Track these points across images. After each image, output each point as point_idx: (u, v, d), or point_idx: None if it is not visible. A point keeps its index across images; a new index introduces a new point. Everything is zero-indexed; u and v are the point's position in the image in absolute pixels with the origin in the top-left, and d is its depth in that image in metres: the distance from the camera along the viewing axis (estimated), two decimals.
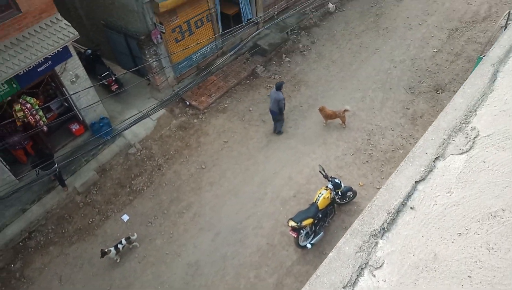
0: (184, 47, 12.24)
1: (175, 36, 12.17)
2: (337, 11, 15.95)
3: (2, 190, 8.90)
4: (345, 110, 11.00)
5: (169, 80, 12.65)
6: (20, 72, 8.81)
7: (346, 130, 11.26)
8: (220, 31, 13.39)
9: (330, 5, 15.76)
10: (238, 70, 13.51)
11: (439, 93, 12.10)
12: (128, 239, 8.73)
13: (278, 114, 10.87)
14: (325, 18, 15.64)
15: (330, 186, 8.58)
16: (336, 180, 8.69)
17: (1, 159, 9.57)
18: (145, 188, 10.36)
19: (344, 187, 8.88)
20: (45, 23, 9.16)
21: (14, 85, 8.99)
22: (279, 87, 10.46)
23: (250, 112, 12.20)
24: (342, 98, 12.26)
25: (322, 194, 8.47)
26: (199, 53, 13.22)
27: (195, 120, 12.06)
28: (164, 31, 11.48)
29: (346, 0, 16.52)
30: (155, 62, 11.94)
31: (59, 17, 9.41)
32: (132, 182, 10.48)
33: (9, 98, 9.17)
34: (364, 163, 10.41)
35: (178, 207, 9.88)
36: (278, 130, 11.37)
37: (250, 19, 14.35)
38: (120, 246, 8.57)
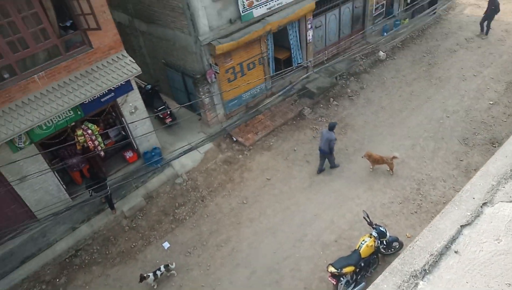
0: (236, 87, 12.85)
1: (228, 77, 12.85)
2: (387, 59, 16.05)
3: (57, 207, 9.56)
4: (394, 157, 10.74)
5: (219, 116, 13.23)
6: (85, 101, 9.61)
7: (394, 177, 10.93)
8: (271, 73, 13.95)
9: (381, 53, 15.92)
10: (285, 110, 13.83)
11: (495, 147, 11.48)
12: (166, 266, 8.86)
13: (328, 153, 10.90)
14: (375, 65, 15.77)
15: (374, 234, 8.24)
16: (381, 228, 8.34)
17: (59, 179, 10.36)
18: (187, 217, 10.60)
19: (389, 236, 8.48)
20: (112, 59, 10.01)
21: (79, 112, 9.81)
22: (332, 127, 10.56)
23: (295, 152, 12.30)
24: (391, 145, 12.02)
25: (366, 242, 8.14)
26: (249, 93, 13.77)
27: (240, 156, 12.36)
28: (218, 72, 12.19)
29: (397, 48, 16.63)
30: (207, 99, 12.61)
31: (125, 54, 10.26)
32: (176, 211, 10.79)
33: (73, 123, 9.99)
34: (412, 213, 9.95)
35: (217, 240, 9.94)
36: (332, 166, 11.38)
37: (300, 63, 14.85)
38: (158, 272, 8.71)
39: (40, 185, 9.82)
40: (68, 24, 9.55)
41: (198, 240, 10.01)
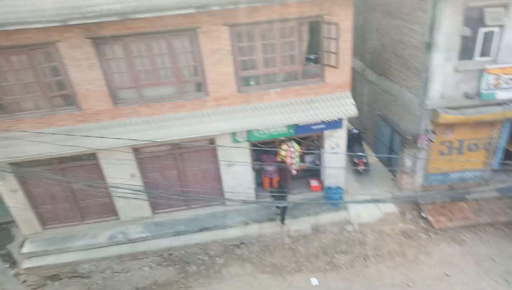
0: (447, 160, 11.66)
1: (441, 149, 11.82)
2: None
3: (244, 197, 10.87)
4: None
5: (414, 184, 12.26)
6: (300, 124, 10.61)
7: None
8: (494, 164, 12.03)
9: None
10: (497, 210, 11.59)
11: None
12: None
13: None
14: None
15: None
16: None
17: (254, 177, 11.71)
18: (343, 267, 10.14)
19: None
20: (336, 96, 10.74)
21: (291, 131, 10.89)
22: None
23: (493, 262, 10.08)
24: None
25: None
26: (459, 174, 12.24)
27: (423, 235, 11.02)
28: (433, 140, 11.37)
29: None
30: (410, 163, 11.90)
31: (349, 95, 10.81)
32: (335, 255, 10.49)
33: (283, 138, 11.19)
34: None
35: None
36: None
37: None
38: None
39: (238, 176, 11.38)
40: (311, 57, 10.82)
41: None
